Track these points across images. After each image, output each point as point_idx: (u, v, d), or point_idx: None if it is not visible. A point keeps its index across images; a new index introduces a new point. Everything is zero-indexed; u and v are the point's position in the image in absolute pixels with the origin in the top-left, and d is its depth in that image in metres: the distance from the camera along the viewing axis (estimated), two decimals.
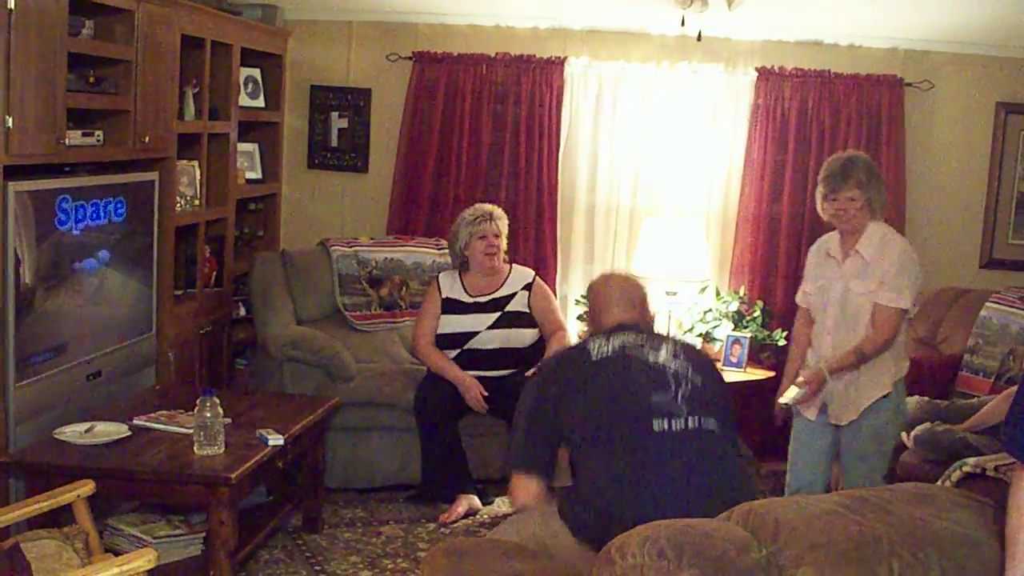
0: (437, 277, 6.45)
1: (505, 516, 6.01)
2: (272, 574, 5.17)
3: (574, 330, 7.27)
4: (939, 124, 7.38)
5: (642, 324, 4.15)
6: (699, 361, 4.00)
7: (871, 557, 2.40)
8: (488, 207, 6.37)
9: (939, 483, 4.51)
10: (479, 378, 6.15)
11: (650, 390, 3.77)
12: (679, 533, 2.41)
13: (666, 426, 3.69)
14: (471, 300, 6.28)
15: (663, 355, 3.91)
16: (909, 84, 7.32)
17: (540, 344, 6.31)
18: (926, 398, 5.82)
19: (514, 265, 6.47)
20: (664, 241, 7.11)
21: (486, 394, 6.11)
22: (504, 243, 6.35)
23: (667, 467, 3.65)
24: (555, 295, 7.30)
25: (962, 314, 6.59)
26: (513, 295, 6.30)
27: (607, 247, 7.68)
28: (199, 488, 4.52)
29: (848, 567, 2.37)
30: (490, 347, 6.21)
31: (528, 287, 6.35)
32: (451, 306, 6.29)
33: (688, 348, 4.06)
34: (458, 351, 6.22)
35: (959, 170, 7.42)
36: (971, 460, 3.24)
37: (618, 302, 4.21)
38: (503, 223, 6.35)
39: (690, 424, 3.72)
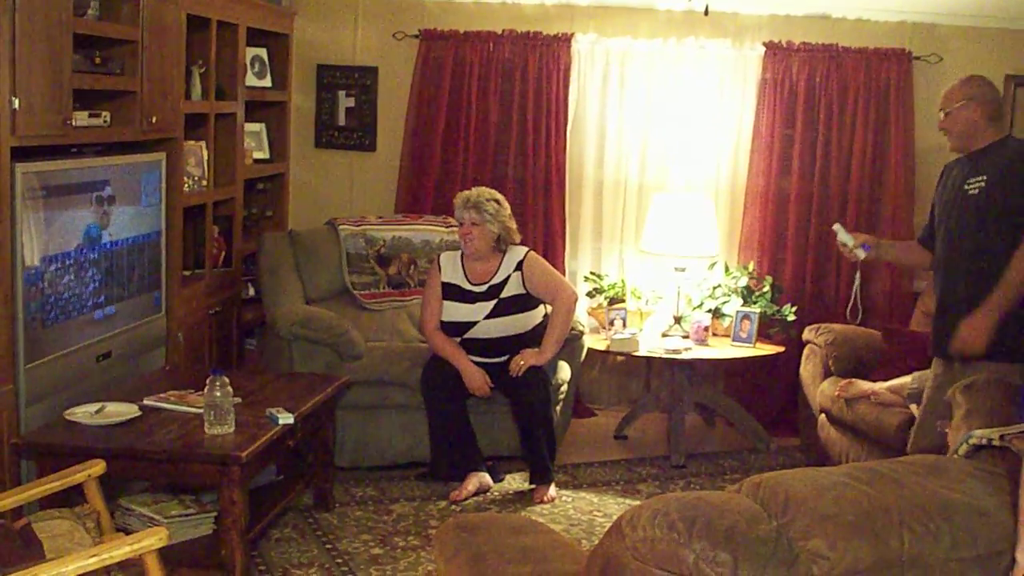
0: (438, 257, 6.36)
1: (517, 493, 6.04)
2: (283, 553, 5.18)
3: (583, 292, 7.31)
4: None
5: None
6: None
7: (882, 528, 2.40)
8: (475, 193, 6.18)
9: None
10: (483, 364, 6.14)
11: None
12: (689, 506, 2.41)
13: None
14: (469, 287, 6.17)
15: None
16: (917, 58, 7.30)
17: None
18: None
19: (509, 246, 6.23)
20: (673, 217, 7.11)
21: (491, 385, 6.11)
22: (495, 228, 6.11)
23: None
24: (564, 271, 7.31)
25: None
26: (507, 279, 6.16)
27: (616, 223, 7.69)
28: (210, 467, 4.54)
29: (858, 538, 2.36)
30: (491, 336, 6.13)
31: (519, 266, 6.17)
32: (451, 292, 6.20)
33: None
34: (459, 339, 6.18)
35: None
36: (977, 432, 3.22)
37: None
38: (493, 208, 6.12)
39: None
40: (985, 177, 4.75)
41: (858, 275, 5.51)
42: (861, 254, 5.18)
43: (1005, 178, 4.69)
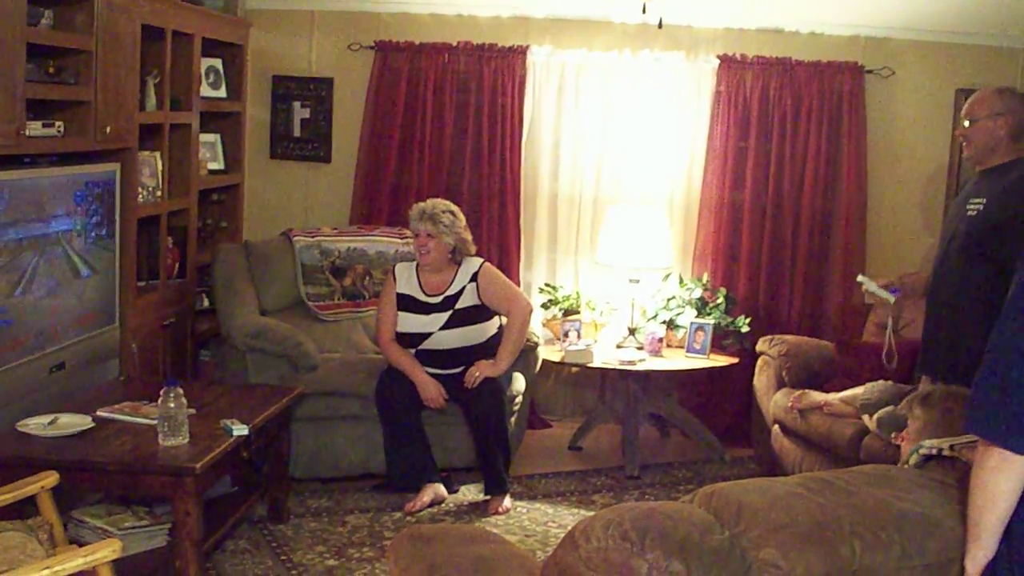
0: (393, 268, 6.34)
1: (472, 504, 6.05)
2: (238, 564, 5.16)
3: (537, 303, 7.31)
4: (899, 111, 7.43)
5: None
6: None
7: (833, 537, 2.42)
8: (431, 205, 6.15)
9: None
10: (438, 376, 6.13)
11: None
12: (642, 516, 2.42)
13: None
14: (424, 298, 6.16)
15: None
16: (869, 71, 7.37)
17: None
18: (889, 382, 5.87)
19: (464, 258, 6.23)
20: (627, 228, 7.14)
21: (446, 397, 6.10)
22: (450, 240, 6.10)
23: None
24: (519, 283, 7.31)
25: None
26: (462, 290, 6.15)
27: (570, 235, 7.70)
28: (164, 479, 4.50)
29: (810, 548, 2.39)
30: (446, 347, 6.12)
31: (474, 277, 6.17)
32: (406, 303, 6.18)
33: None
34: (414, 351, 6.17)
35: (919, 156, 7.47)
36: (927, 442, 3.25)
37: None
38: (448, 219, 6.11)
39: None
40: (985, 200, 4.65)
41: (890, 320, 5.48)
42: (891, 299, 5.16)
43: (1000, 203, 4.58)
